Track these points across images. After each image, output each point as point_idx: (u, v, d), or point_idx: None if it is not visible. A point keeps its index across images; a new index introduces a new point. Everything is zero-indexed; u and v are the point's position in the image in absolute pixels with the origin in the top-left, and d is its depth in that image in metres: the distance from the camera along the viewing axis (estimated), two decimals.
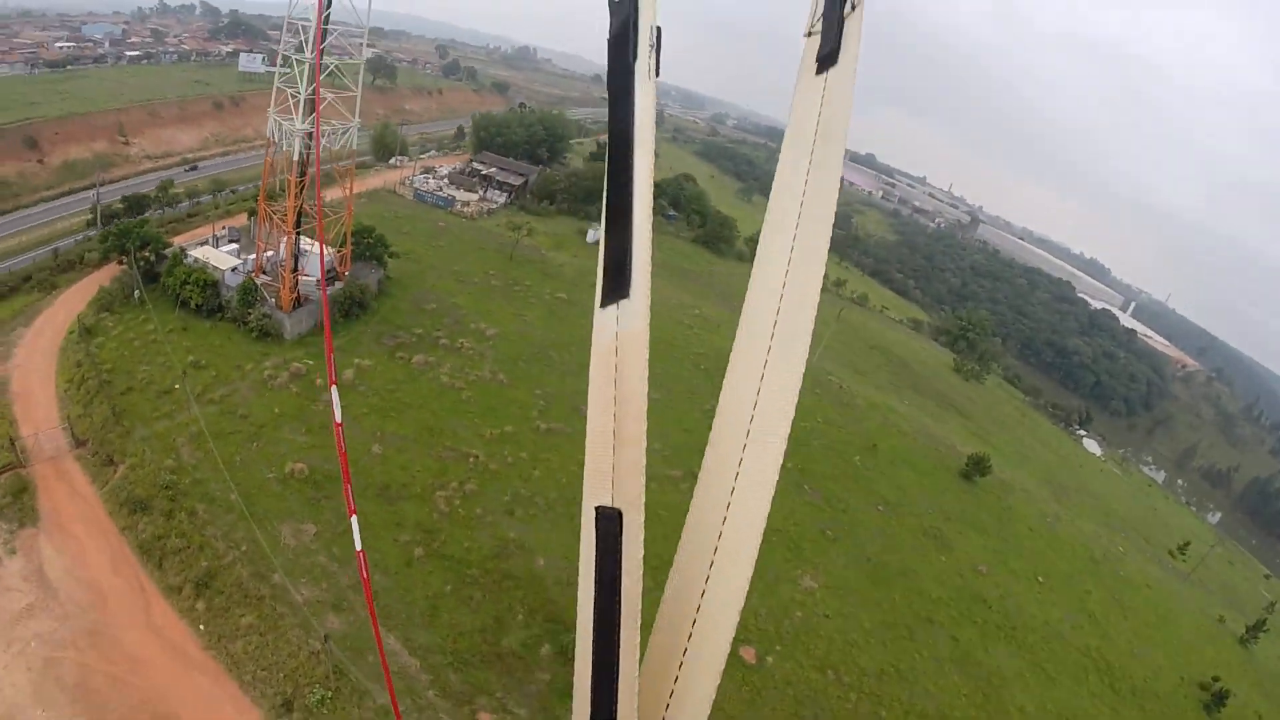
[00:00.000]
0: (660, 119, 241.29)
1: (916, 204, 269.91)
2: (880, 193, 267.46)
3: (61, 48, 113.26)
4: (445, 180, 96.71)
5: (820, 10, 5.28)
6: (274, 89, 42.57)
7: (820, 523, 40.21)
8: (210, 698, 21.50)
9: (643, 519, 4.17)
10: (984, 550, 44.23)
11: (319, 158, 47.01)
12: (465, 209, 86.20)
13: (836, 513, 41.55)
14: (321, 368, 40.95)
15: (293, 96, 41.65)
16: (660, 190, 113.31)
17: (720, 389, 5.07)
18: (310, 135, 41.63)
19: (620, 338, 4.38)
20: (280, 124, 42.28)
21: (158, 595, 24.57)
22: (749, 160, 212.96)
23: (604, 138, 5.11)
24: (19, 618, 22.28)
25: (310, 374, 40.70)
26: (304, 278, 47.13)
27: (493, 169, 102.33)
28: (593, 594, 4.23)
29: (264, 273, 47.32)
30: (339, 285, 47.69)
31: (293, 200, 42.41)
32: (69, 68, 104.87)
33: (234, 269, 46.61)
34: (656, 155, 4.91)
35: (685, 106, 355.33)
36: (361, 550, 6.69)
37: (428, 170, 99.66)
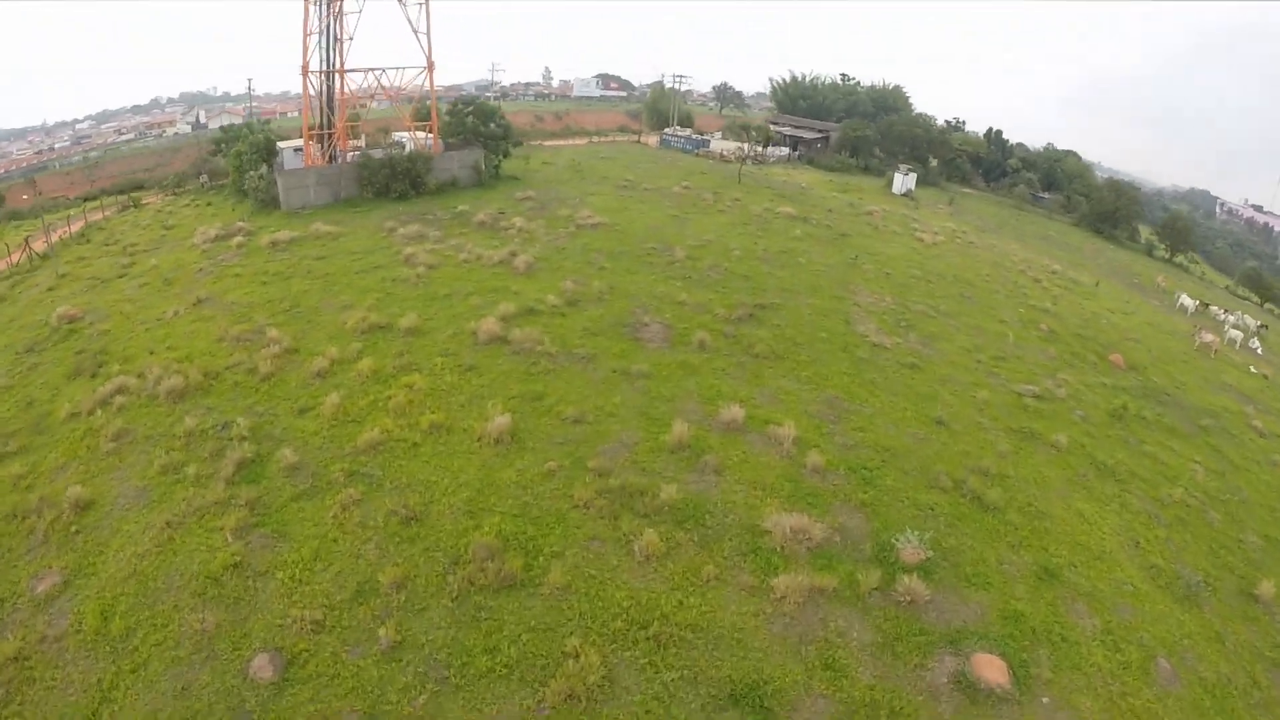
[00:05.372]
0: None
1: None
2: None
3: None
4: (716, 134, 77.43)
5: None
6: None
7: None
8: None
9: None
10: None
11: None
12: (719, 152, 65.38)
13: None
14: (265, 231, 30.66)
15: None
16: (1028, 165, 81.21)
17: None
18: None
19: None
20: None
21: None
22: None
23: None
24: None
25: (240, 234, 30.42)
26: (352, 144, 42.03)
27: (786, 127, 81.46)
28: None
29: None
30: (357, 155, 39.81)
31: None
32: None
33: (296, 149, 41.11)
34: None
35: None
36: None
37: (701, 132, 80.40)
